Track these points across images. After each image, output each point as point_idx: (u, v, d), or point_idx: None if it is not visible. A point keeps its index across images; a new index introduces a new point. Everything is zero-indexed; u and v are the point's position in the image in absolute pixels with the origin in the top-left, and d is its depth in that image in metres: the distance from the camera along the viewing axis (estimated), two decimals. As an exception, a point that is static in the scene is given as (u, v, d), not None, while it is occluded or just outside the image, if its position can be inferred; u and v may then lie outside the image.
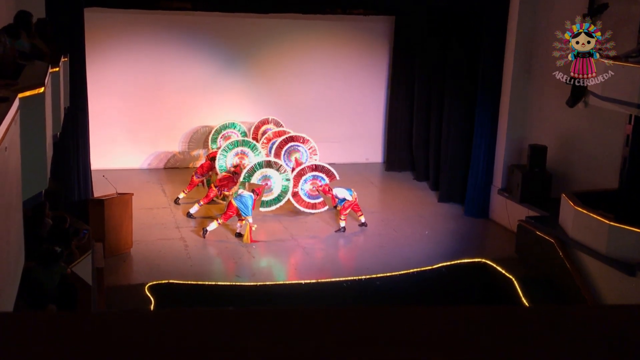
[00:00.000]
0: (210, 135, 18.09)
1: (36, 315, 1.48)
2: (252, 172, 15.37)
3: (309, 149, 17.17)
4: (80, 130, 14.48)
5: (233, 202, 14.22)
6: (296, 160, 16.87)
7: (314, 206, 15.94)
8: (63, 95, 9.21)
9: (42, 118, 5.50)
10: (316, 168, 16.02)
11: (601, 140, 14.19)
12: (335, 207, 15.26)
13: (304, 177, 15.85)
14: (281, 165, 15.79)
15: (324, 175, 15.89)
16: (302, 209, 15.80)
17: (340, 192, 15.02)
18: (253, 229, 14.19)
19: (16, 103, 4.20)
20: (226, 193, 15.33)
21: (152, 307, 11.44)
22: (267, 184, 15.31)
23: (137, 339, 1.16)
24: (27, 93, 5.13)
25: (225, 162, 16.24)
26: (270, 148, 17.25)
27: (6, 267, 3.79)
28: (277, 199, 15.55)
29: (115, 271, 12.54)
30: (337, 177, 15.87)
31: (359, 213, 15.21)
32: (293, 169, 16.31)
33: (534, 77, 15.65)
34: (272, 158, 16.25)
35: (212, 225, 14.36)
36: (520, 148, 15.96)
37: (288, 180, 15.52)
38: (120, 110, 18.67)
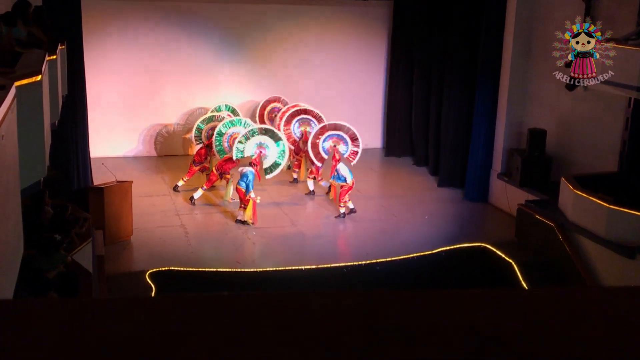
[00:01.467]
0: (196, 124, 17.59)
1: (37, 302, 1.48)
2: (243, 141, 15.10)
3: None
4: (78, 118, 14.47)
5: (238, 185, 14.21)
6: (305, 132, 16.79)
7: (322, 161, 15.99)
8: (61, 83, 9.19)
9: (40, 106, 5.48)
10: (342, 129, 16.02)
11: (601, 124, 14.18)
12: (324, 180, 15.39)
13: (328, 134, 15.87)
14: (273, 131, 15.54)
15: (347, 138, 15.94)
16: (316, 161, 15.86)
17: (343, 170, 14.89)
18: (257, 201, 14.18)
19: (13, 91, 4.19)
20: (227, 176, 15.31)
21: (153, 294, 11.47)
22: (261, 152, 15.06)
23: (135, 325, 1.16)
24: (24, 81, 5.11)
25: (222, 145, 16.15)
26: (280, 115, 17.39)
27: (5, 254, 3.80)
28: (276, 164, 15.28)
29: (115, 259, 12.56)
30: (360, 146, 15.94)
31: (345, 200, 15.08)
32: (298, 140, 16.53)
33: (533, 61, 15.61)
34: (264, 125, 16.08)
35: (198, 193, 14.77)
36: (519, 132, 15.94)
37: (283, 150, 15.30)
38: (119, 98, 18.64)
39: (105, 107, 18.24)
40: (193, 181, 16.17)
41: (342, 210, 15.00)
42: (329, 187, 15.92)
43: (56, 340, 1.12)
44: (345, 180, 14.86)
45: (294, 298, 1.25)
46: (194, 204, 15.39)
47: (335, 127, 16.06)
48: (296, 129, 17.01)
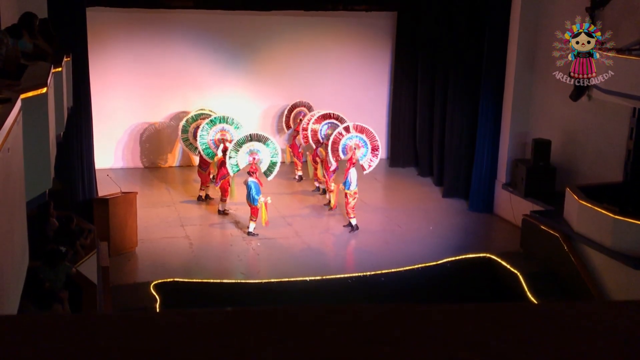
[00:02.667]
0: (181, 124, 17.63)
1: (42, 318, 1.48)
2: (234, 155, 14.96)
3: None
4: (84, 129, 14.50)
5: (247, 200, 14.18)
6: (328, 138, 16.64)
7: (336, 159, 15.85)
8: (66, 95, 9.21)
9: (45, 118, 5.50)
10: (366, 134, 15.83)
11: (605, 134, 14.16)
12: (335, 185, 15.25)
13: (355, 134, 15.74)
14: (258, 134, 15.37)
15: (368, 142, 15.74)
16: (330, 154, 15.69)
17: (353, 176, 14.70)
18: (268, 202, 14.18)
19: (19, 104, 4.20)
20: (229, 178, 15.22)
21: (157, 306, 11.46)
22: (254, 158, 14.90)
23: (138, 341, 1.16)
24: (30, 93, 5.13)
25: (209, 147, 16.10)
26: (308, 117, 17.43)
27: (10, 266, 3.80)
28: (273, 164, 15.11)
29: (120, 270, 12.55)
30: (377, 157, 15.78)
31: (353, 214, 15.03)
32: (321, 142, 16.62)
33: (537, 71, 15.61)
34: (258, 132, 15.81)
35: (252, 226, 14.39)
36: (524, 142, 15.93)
37: (276, 154, 15.15)
38: (124, 109, 18.69)
39: (110, 119, 18.29)
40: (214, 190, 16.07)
41: (354, 221, 14.90)
42: (329, 199, 15.82)
43: (60, 356, 1.12)
44: (349, 187, 14.71)
45: (302, 312, 1.24)
46: (227, 213, 15.38)
47: (362, 130, 15.87)
48: (323, 131, 16.97)
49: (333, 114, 17.39)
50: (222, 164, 15.33)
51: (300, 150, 18.18)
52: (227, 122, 16.33)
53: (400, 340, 1.16)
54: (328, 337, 1.17)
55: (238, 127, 16.27)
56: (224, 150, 15.39)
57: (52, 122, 6.02)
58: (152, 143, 19.24)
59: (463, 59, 16.96)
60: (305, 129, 17.27)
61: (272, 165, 15.09)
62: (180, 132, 17.44)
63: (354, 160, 15.11)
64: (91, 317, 1.32)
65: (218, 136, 16.12)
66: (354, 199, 14.77)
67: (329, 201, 15.95)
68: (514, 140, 16.06)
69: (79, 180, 14.37)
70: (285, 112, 19.20)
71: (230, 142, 15.45)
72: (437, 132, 18.39)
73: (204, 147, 16.14)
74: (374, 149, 15.81)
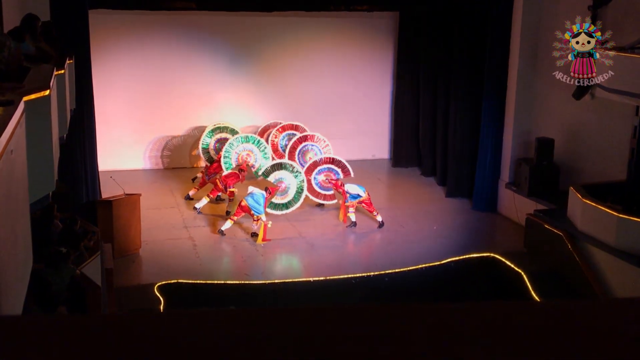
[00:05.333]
0: (205, 133, 18.04)
1: (46, 319, 1.48)
2: (266, 173, 15.52)
3: (324, 147, 17.17)
4: (87, 131, 14.52)
5: (244, 200, 14.19)
6: (311, 160, 16.85)
7: (324, 197, 15.96)
8: (69, 97, 9.23)
9: (48, 120, 5.50)
10: (333, 161, 16.05)
11: (608, 132, 14.13)
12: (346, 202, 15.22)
13: (319, 168, 15.91)
14: (294, 167, 15.73)
15: (339, 170, 15.94)
16: (311, 197, 15.80)
17: (352, 189, 14.96)
18: (268, 226, 14.19)
19: (21, 106, 4.21)
20: (232, 190, 15.43)
21: (161, 307, 11.47)
22: (280, 186, 15.31)
23: (143, 341, 1.16)
24: (33, 96, 5.13)
25: (230, 159, 16.37)
26: (283, 149, 17.45)
27: (14, 269, 3.81)
28: (293, 201, 15.43)
29: (124, 272, 12.56)
30: (352, 174, 15.88)
31: (374, 212, 15.12)
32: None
33: (539, 70, 15.59)
34: (285, 160, 16.19)
35: (227, 224, 14.40)
36: (527, 141, 15.91)
37: (302, 181, 15.48)
38: (127, 111, 18.71)
39: (113, 121, 18.31)
40: (204, 192, 16.15)
41: (380, 218, 15.04)
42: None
43: (65, 356, 1.12)
44: (359, 196, 14.87)
45: (305, 313, 1.24)
46: (199, 212, 15.46)
47: (315, 163, 16.11)
48: (302, 160, 16.98)
49: (293, 124, 17.86)
50: (233, 174, 15.58)
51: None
52: (255, 144, 16.59)
53: (403, 338, 1.16)
54: (332, 337, 1.17)
55: (265, 154, 16.63)
56: (240, 167, 15.80)
57: (55, 125, 6.02)
58: (155, 145, 19.26)
59: (465, 58, 16.94)
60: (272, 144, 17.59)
61: (291, 203, 15.38)
62: (200, 146, 17.80)
63: (337, 183, 15.39)
64: (96, 318, 1.32)
65: (244, 154, 16.38)
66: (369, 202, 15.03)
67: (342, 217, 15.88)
68: (517, 139, 16.04)
69: (82, 182, 14.39)
70: (258, 133, 18.37)
71: (251, 165, 16.11)
72: (440, 131, 18.37)
73: (226, 157, 16.38)
74: (323, 146, 16.71)
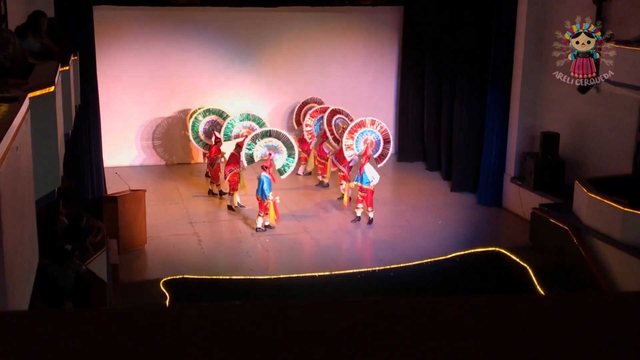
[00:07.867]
0: (192, 118, 18.00)
1: (52, 313, 1.48)
2: (252, 144, 14.98)
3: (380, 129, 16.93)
4: (91, 127, 14.56)
5: (257, 195, 14.13)
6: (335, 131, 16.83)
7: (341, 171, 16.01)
8: (74, 93, 9.24)
9: (53, 117, 5.51)
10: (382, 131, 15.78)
11: (614, 126, 14.10)
12: (349, 182, 15.26)
13: (363, 130, 15.60)
14: (285, 134, 15.35)
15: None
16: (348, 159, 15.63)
17: (370, 172, 14.74)
18: (277, 201, 14.16)
19: (26, 102, 4.22)
20: (238, 170, 15.20)
21: (167, 303, 11.50)
22: (270, 154, 14.89)
23: (149, 335, 1.16)
24: (38, 92, 5.15)
25: (231, 130, 16.42)
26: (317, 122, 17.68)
27: (20, 265, 3.82)
28: (284, 168, 15.13)
29: (129, 267, 12.60)
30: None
31: (370, 208, 15.01)
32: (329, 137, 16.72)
33: (545, 64, 15.55)
34: (273, 127, 15.81)
35: (259, 221, 14.34)
36: (532, 135, 15.88)
37: (293, 147, 15.20)
38: (131, 107, 18.72)
39: (118, 117, 18.33)
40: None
41: (372, 215, 14.93)
42: (343, 193, 15.84)
43: (70, 351, 1.12)
44: (369, 183, 14.71)
45: (310, 308, 1.25)
46: (242, 206, 15.41)
47: (373, 123, 15.80)
48: (318, 126, 17.32)
49: (341, 109, 17.48)
50: (231, 158, 15.33)
51: (312, 147, 18.11)
52: (254, 121, 16.55)
53: (408, 331, 1.16)
54: (337, 331, 1.17)
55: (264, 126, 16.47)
56: (239, 145, 15.42)
57: (60, 121, 6.04)
58: (160, 140, 19.28)
59: (470, 52, 16.91)
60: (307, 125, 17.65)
61: (287, 164, 15.11)
62: (190, 129, 17.72)
63: (368, 156, 15.09)
64: (102, 312, 1.33)
65: (244, 132, 16.24)
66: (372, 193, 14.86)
67: (342, 195, 15.87)
68: (522, 133, 16.01)
69: (87, 178, 14.42)
70: (296, 109, 19.17)
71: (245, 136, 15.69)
72: (445, 126, 18.34)
73: (226, 138, 16.41)
74: (385, 140, 15.76)
